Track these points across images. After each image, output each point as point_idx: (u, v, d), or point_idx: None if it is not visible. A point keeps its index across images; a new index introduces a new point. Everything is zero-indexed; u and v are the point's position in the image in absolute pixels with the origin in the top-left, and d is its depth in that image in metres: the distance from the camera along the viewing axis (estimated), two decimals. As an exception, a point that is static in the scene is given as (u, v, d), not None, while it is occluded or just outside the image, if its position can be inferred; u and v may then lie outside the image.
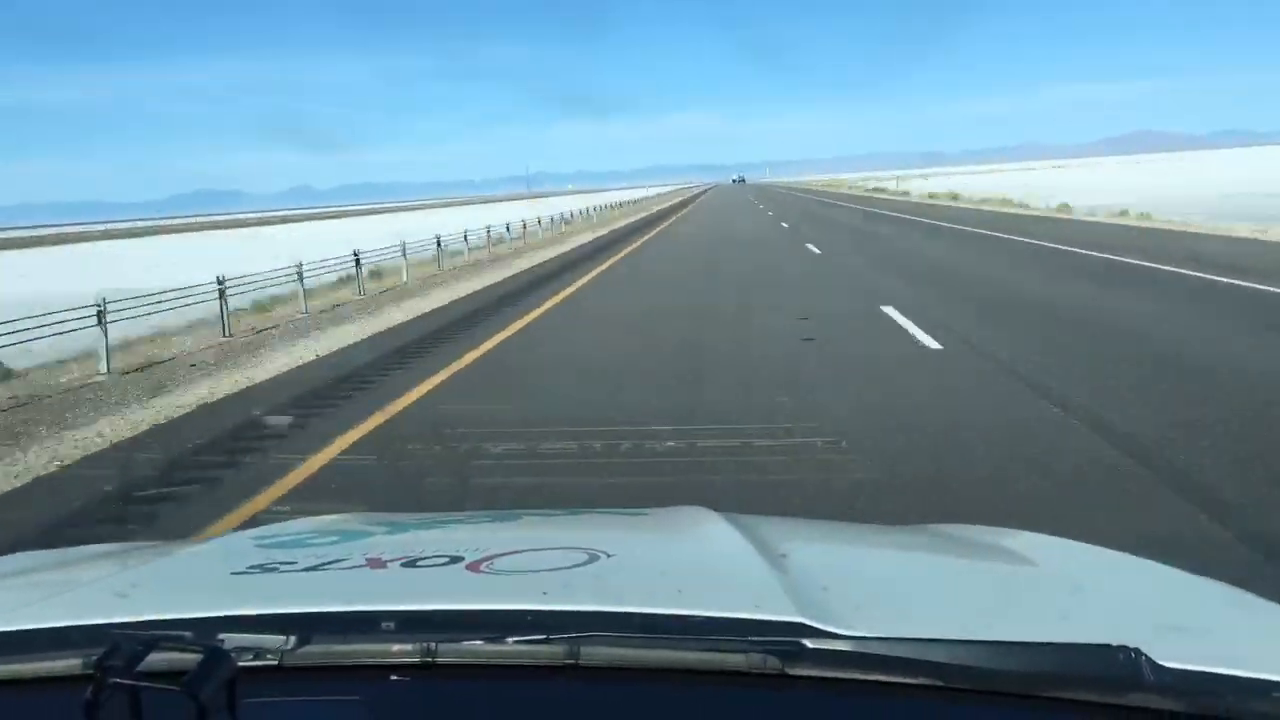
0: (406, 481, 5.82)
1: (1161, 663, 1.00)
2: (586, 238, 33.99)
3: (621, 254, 25.64)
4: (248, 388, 9.32)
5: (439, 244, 22.66)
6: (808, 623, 1.08)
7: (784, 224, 36.90)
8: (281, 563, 1.50)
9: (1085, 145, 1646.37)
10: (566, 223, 40.94)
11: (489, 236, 27.55)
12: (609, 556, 1.41)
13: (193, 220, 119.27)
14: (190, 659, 0.92)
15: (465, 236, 24.91)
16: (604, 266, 21.78)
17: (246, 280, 14.40)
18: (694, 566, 1.51)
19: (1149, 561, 1.64)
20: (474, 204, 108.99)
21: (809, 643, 1.06)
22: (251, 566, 1.48)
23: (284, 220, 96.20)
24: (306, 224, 73.93)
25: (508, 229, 32.45)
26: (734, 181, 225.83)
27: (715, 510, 1.80)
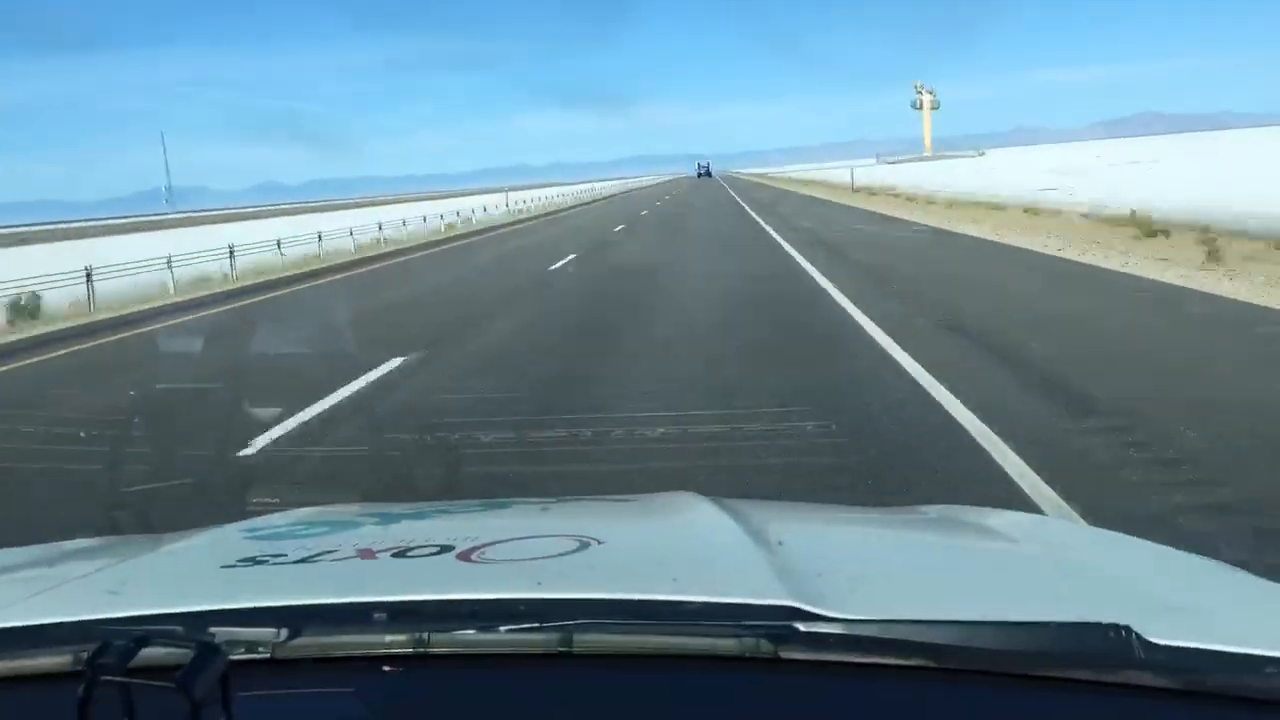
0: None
1: (1152, 640, 1.00)
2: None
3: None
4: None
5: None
6: (799, 606, 1.07)
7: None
8: (271, 555, 1.46)
9: (1077, 129, 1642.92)
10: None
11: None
12: (600, 544, 1.41)
13: (155, 219, 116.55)
14: (182, 654, 0.90)
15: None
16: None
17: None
18: (685, 552, 1.50)
19: (1135, 539, 1.67)
20: (443, 198, 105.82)
21: (801, 626, 1.05)
22: (241, 560, 1.46)
23: (242, 218, 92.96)
24: (267, 220, 71.43)
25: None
26: (699, 174, 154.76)
27: (705, 496, 1.79)
